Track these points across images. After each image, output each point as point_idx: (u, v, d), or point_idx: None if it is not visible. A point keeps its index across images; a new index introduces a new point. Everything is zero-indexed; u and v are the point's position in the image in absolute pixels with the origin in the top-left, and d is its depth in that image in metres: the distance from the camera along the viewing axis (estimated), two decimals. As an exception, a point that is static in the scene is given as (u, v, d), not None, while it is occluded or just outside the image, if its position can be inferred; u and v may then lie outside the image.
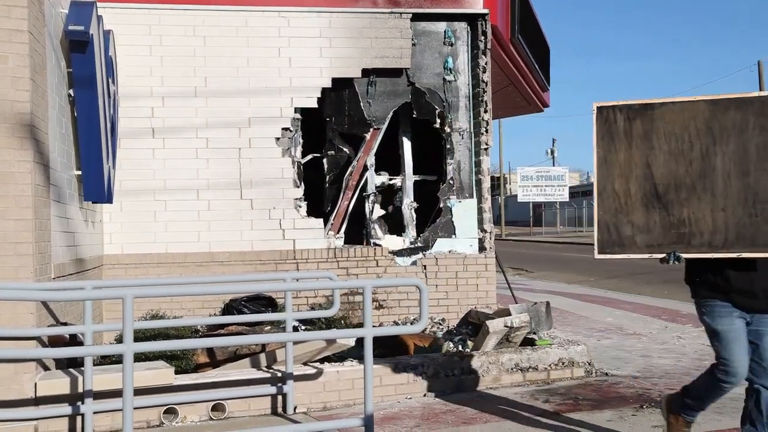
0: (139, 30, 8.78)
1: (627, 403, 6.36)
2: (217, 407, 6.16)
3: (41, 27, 6.16)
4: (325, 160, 10.11)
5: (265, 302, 8.36)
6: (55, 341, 6.08)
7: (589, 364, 7.57)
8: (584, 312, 12.31)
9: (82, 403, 5.58)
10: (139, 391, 5.24)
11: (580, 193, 76.38)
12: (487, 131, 9.60)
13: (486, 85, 9.58)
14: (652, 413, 6.02)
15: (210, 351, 6.94)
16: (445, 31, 9.66)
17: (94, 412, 5.58)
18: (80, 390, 5.62)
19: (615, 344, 9.22)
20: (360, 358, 6.61)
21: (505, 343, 7.69)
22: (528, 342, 7.87)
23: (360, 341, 7.56)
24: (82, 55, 6.87)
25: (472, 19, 9.68)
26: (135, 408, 4.60)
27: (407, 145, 10.20)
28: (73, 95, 7.02)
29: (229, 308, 8.39)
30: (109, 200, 7.80)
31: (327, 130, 9.99)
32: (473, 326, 8.76)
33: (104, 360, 6.75)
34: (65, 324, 6.35)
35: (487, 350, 7.47)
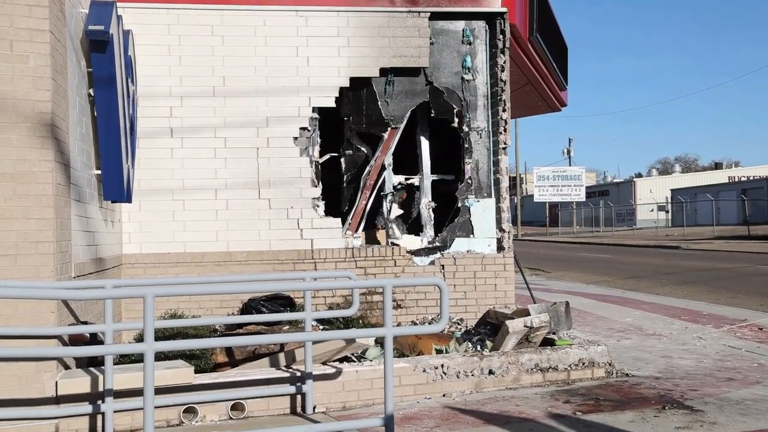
0: (158, 30, 8.80)
1: (649, 405, 6.29)
2: (237, 406, 6.15)
3: (62, 27, 6.18)
4: (342, 160, 10.10)
5: (283, 302, 8.36)
6: (75, 340, 6.10)
7: (610, 364, 7.50)
8: (603, 312, 12.23)
9: (103, 402, 5.59)
10: (158, 390, 5.24)
11: (597, 193, 76.06)
12: (505, 130, 9.55)
13: (504, 84, 9.53)
14: (675, 414, 5.96)
15: (229, 350, 6.94)
16: (463, 30, 9.62)
17: (114, 411, 5.59)
18: (101, 389, 5.63)
19: (635, 345, 9.14)
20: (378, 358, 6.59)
21: (525, 343, 7.64)
22: (547, 342, 7.81)
23: (378, 341, 7.55)
24: (102, 55, 6.89)
25: (490, 18, 9.64)
26: (155, 407, 4.59)
27: (425, 144, 10.16)
28: (93, 95, 7.05)
29: (248, 308, 8.39)
30: (128, 200, 7.83)
31: (345, 129, 9.98)
32: (492, 326, 8.71)
33: (123, 359, 6.77)
34: (85, 323, 6.38)
35: (507, 350, 7.42)
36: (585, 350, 7.47)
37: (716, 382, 7.10)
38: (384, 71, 9.37)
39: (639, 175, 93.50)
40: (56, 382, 5.63)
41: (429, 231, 9.80)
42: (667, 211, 62.21)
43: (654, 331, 10.22)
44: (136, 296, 4.75)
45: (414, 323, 9.08)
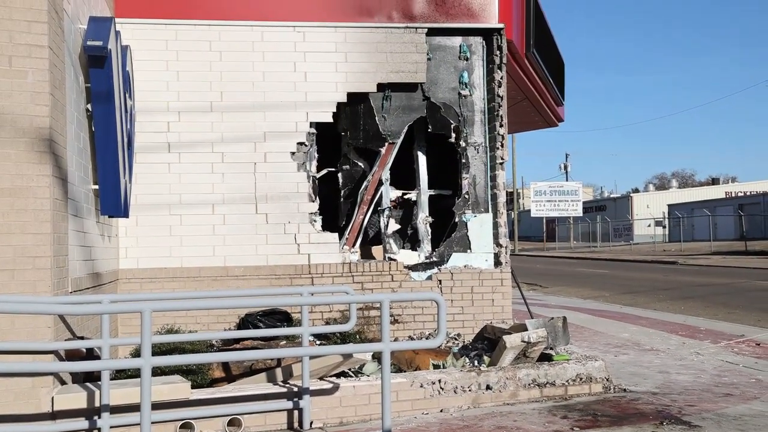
0: (156, 45, 8.85)
1: (647, 420, 6.30)
2: (234, 422, 6.14)
3: (61, 42, 6.22)
4: (340, 175, 10.14)
5: (280, 317, 8.35)
6: (71, 355, 6.10)
7: (607, 380, 7.51)
8: (600, 327, 12.23)
9: (99, 418, 5.58)
10: (155, 406, 5.24)
11: (594, 208, 76.18)
12: (502, 145, 9.60)
13: (501, 100, 9.59)
14: (673, 430, 5.97)
15: (225, 365, 6.93)
16: (460, 46, 9.68)
17: (111, 427, 5.58)
18: (97, 404, 5.63)
19: (632, 360, 9.15)
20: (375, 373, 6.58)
21: (522, 358, 7.64)
22: (545, 357, 7.81)
23: (376, 356, 7.55)
24: (100, 70, 6.93)
25: (487, 34, 9.70)
26: (152, 423, 4.59)
27: (422, 159, 10.20)
28: (90, 110, 7.08)
29: (245, 323, 8.38)
30: (125, 214, 7.84)
31: (342, 144, 10.02)
32: (489, 341, 8.71)
33: (119, 374, 6.76)
34: (82, 338, 6.37)
35: (504, 365, 7.43)
36: (582, 365, 7.47)
37: (714, 397, 7.11)
38: (381, 86, 9.42)
39: (636, 191, 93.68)
40: (52, 398, 5.62)
41: (426, 246, 9.82)
42: (664, 227, 62.28)
43: (651, 346, 10.22)
44: (133, 311, 4.76)
45: (411, 338, 9.08)
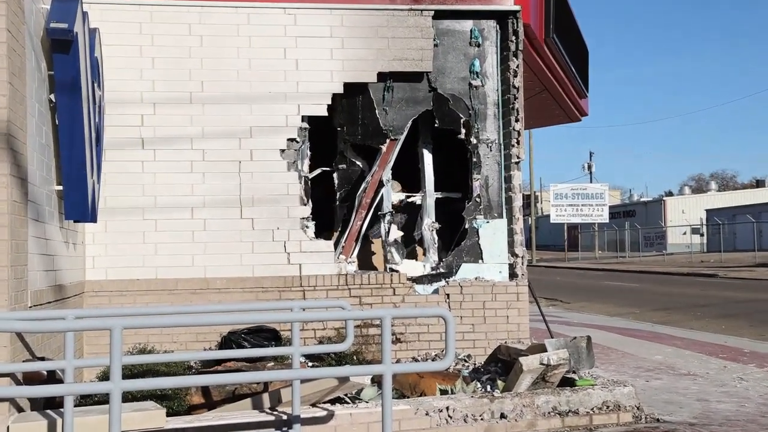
0: (129, 28, 8.85)
1: (682, 453, 6.26)
2: (214, 454, 6.11)
3: (20, 24, 6.22)
4: (335, 175, 10.13)
5: (268, 335, 8.34)
6: (30, 378, 6.07)
7: (638, 408, 7.48)
8: (629, 348, 12.20)
9: (62, 449, 5.55)
10: (126, 436, 5.21)
11: (622, 213, 76.20)
12: (518, 142, 9.59)
13: (517, 91, 9.58)
14: (712, 465, 5.93)
15: (206, 390, 6.91)
16: (471, 31, 9.68)
17: (75, 459, 5.54)
18: (59, 434, 5.59)
19: (666, 386, 9.12)
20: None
21: (541, 383, 7.62)
22: (567, 382, 7.78)
23: (375, 380, 7.52)
24: (65, 56, 6.92)
25: (501, 17, 9.71)
26: (122, 454, 4.56)
27: (428, 158, 10.20)
28: (54, 101, 7.07)
29: (227, 341, 8.37)
30: (93, 219, 7.83)
31: (338, 141, 10.02)
32: (503, 364, 8.69)
33: (85, 400, 6.73)
34: (42, 359, 6.35)
35: (521, 391, 7.40)
36: (609, 392, 7.45)
37: (760, 429, 7.07)
38: (382, 76, 9.41)
39: (669, 194, 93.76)
40: (8, 427, 5.59)
41: (432, 255, 9.80)
42: (701, 234, 62.25)
43: (688, 370, 10.19)
44: (101, 328, 4.73)
45: (415, 360, 9.05)
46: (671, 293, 25.15)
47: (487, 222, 9.60)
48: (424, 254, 9.90)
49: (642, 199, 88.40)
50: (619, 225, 64.66)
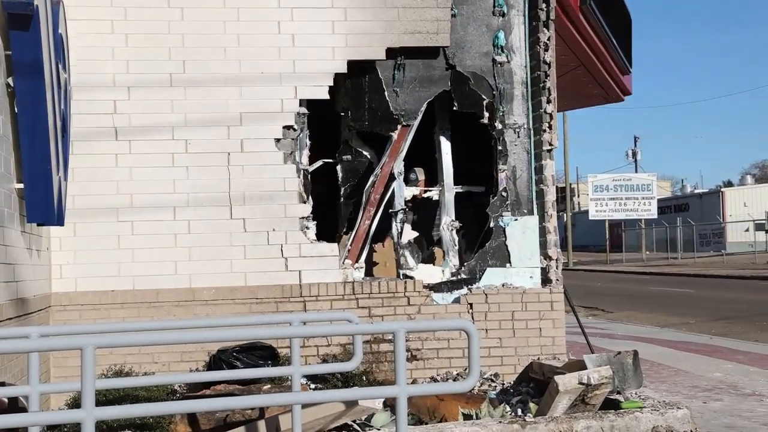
0: (98, 0, 8.87)
1: (745, 486, 6.24)
2: (202, 492, 6.13)
3: (-27, -2, 6.23)
4: (339, 168, 10.14)
5: (263, 353, 8.34)
6: (-10, 406, 6.09)
7: (693, 433, 7.46)
8: (683, 365, 12.17)
9: (27, 487, 5.57)
10: (100, 471, 5.23)
11: (673, 207, 75.88)
12: (550, 127, 9.58)
13: (549, 68, 9.57)
14: (780, 499, 5.91)
15: (192, 418, 6.92)
16: (494, -3, 9.69)
17: (43, 499, 5.57)
18: (24, 470, 5.61)
19: (727, 408, 9.09)
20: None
21: (580, 405, 7.60)
22: (610, 405, 7.77)
23: (388, 403, 7.52)
24: (24, 33, 6.93)
25: (529, -19, 9.71)
26: (96, 493, 4.57)
27: (446, 146, 10.19)
28: (12, 85, 7.09)
29: (217, 361, 8.37)
30: (60, 222, 7.85)
31: (342, 128, 10.03)
32: (536, 383, 8.67)
33: (53, 431, 6.75)
34: (2, 384, 6.37)
35: (557, 415, 7.39)
36: (661, 415, 7.43)
37: (834, 455, 7.04)
38: (392, 52, 9.41)
39: (729, 184, 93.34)
40: (-35, 462, 5.62)
41: (452, 259, 9.80)
42: (767, 231, 62.00)
43: (753, 389, 10.15)
44: (71, 348, 4.74)
45: (434, 380, 9.06)
46: (732, 300, 25.05)
47: (516, 219, 9.59)
48: (443, 258, 9.90)
49: (696, 191, 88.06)
50: (670, 221, 64.43)
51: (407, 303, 9.23)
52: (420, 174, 10.26)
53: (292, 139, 9.17)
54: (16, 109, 7.13)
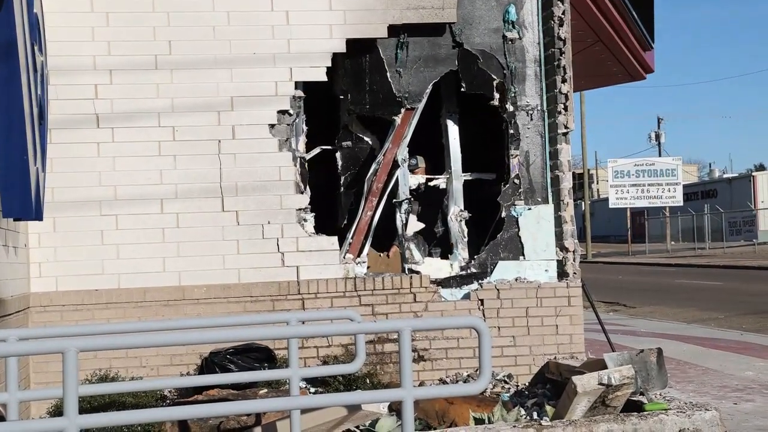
0: (77, -22, 8.88)
1: (779, 493, 6.26)
2: (195, 505, 6.16)
3: (-58, -24, 6.23)
4: (338, 155, 10.13)
5: (259, 355, 8.36)
6: (-33, 415, 6.11)
7: (722, 436, 7.47)
8: (712, 363, 12.17)
9: (7, 502, 5.60)
10: (85, 483, 5.25)
11: (700, 194, 75.75)
12: (566, 109, 9.57)
13: (564, 44, 9.55)
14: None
15: (183, 425, 6.94)
16: (504, -31, 9.68)
17: None
18: (3, 482, 5.64)
19: (760, 409, 9.09)
20: None
21: (600, 407, 7.62)
22: (633, 406, 7.78)
23: (393, 407, 7.54)
24: (-3, 13, 6.93)
25: (542, -49, 9.69)
26: (81, 506, 4.59)
27: (453, 131, 10.19)
28: (-14, 70, 7.09)
29: (209, 364, 8.39)
30: (38, 216, 7.84)
31: (341, 112, 10.03)
32: (553, 385, 8.69)
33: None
34: (-20, 390, 6.39)
35: (575, 418, 7.40)
36: (688, 417, 7.44)
37: None
38: (394, 30, 9.41)
39: (761, 168, 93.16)
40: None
41: (461, 252, 9.80)
42: (801, 219, 61.91)
43: (786, 388, 10.16)
44: (52, 351, 4.76)
45: (443, 382, 9.07)
46: (764, 293, 25.03)
47: (529, 209, 9.58)
48: (451, 251, 9.90)
49: (725, 176, 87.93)
50: (697, 209, 64.36)
51: (413, 300, 9.23)
52: (421, 161, 10.24)
53: (288, 124, 9.17)
54: (-11, 95, 7.12)
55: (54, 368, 8.29)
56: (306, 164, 9.43)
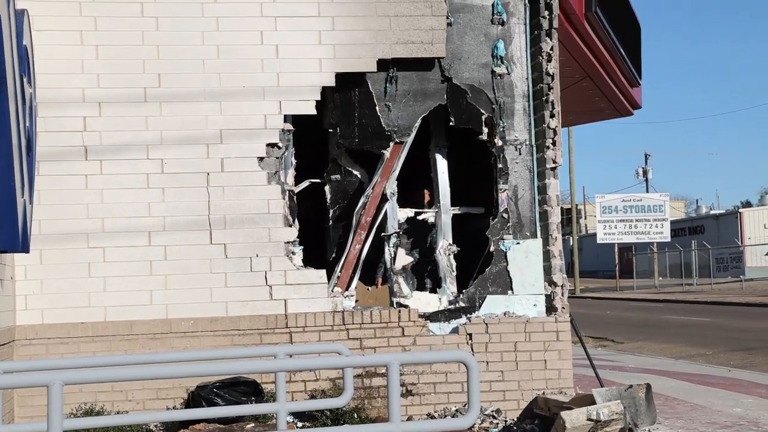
0: (65, 9, 8.89)
1: None
2: None
3: (-68, 8, 6.24)
4: (327, 188, 10.14)
5: (246, 389, 8.33)
6: (-50, 448, 6.06)
7: (711, 472, 7.46)
8: (700, 399, 12.16)
9: None
10: None
11: (688, 230, 76.02)
12: (554, 143, 9.60)
13: (552, 80, 9.60)
14: None
15: (169, 460, 6.89)
16: (493, 5, 9.73)
17: None
18: None
19: (747, 445, 9.08)
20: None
21: (589, 443, 7.60)
22: (621, 442, 7.77)
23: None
24: (-14, 45, 6.93)
25: (530, -13, 9.77)
26: None
27: (442, 165, 10.21)
28: (-26, 101, 7.08)
29: (196, 398, 8.35)
30: (25, 248, 7.81)
31: (330, 145, 10.04)
32: (542, 420, 8.67)
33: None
34: (-36, 424, 6.34)
35: (564, 454, 7.38)
36: (675, 453, 7.42)
37: None
38: (384, 64, 9.45)
39: (747, 204, 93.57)
40: None
41: (450, 286, 9.80)
42: (788, 255, 62.10)
43: (774, 425, 10.15)
44: (37, 385, 4.73)
45: (431, 416, 9.04)
46: (752, 329, 25.07)
47: (518, 243, 9.59)
48: (440, 285, 9.89)
49: (712, 212, 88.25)
50: (684, 245, 64.53)
51: (401, 333, 9.21)
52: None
53: (277, 157, 9.18)
54: (-23, 126, 7.11)
55: (39, 402, 8.21)
56: (295, 197, 9.43)
